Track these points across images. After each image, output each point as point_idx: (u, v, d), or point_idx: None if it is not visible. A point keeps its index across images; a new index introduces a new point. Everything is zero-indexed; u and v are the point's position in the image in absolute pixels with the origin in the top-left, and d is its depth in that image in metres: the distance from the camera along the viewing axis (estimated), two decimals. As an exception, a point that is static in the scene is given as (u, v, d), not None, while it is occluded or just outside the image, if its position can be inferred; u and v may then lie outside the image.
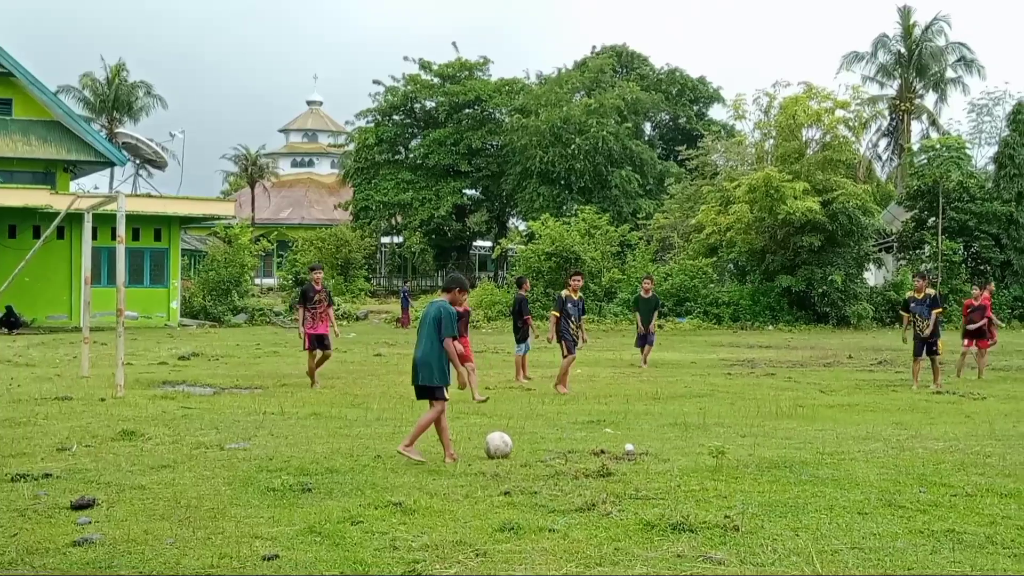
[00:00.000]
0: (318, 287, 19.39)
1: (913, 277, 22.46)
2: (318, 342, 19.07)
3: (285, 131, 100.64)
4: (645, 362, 24.53)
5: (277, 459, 10.76)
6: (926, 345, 19.97)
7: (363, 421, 14.05)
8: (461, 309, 16.49)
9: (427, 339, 10.86)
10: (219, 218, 49.49)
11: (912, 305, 20.17)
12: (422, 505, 8.55)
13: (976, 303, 22.58)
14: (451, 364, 10.84)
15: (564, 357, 18.80)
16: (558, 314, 18.86)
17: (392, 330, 39.67)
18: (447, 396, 10.95)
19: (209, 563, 6.95)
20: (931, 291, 20.78)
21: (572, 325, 18.74)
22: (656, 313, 25.53)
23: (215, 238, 57.94)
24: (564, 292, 19.29)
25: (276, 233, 72.87)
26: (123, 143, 60.79)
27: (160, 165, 65.74)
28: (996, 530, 7.95)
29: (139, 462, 10.61)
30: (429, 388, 10.89)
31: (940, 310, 20.53)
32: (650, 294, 25.34)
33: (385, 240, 78.11)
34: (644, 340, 24.78)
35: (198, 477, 9.84)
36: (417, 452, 10.73)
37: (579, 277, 20.01)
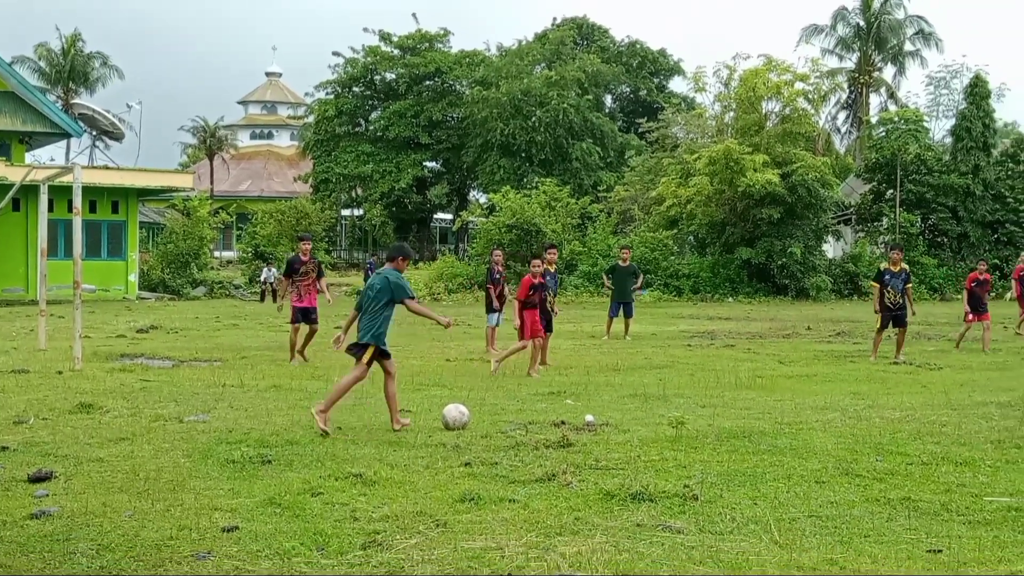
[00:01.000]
0: (305, 258, 18.94)
1: (891, 249, 22.46)
2: (303, 315, 18.59)
3: (244, 103, 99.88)
4: (627, 334, 24.52)
5: (237, 431, 10.73)
6: (895, 317, 20.03)
7: (323, 393, 13.99)
8: (536, 280, 16.48)
9: (371, 310, 11.15)
10: (177, 190, 49.10)
11: (887, 277, 20.17)
12: (382, 476, 8.55)
13: (981, 277, 22.68)
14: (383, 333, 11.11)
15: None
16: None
17: (353, 302, 39.54)
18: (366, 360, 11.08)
19: (168, 535, 6.92)
20: (905, 265, 20.92)
21: (549, 298, 18.46)
22: (638, 280, 25.45)
23: (174, 211, 57.50)
24: (538, 269, 17.87)
25: (235, 205, 72.51)
26: (79, 114, 60.21)
27: (117, 137, 65.17)
28: (951, 498, 8.04)
29: (97, 435, 10.54)
30: (360, 345, 11.11)
31: (910, 284, 20.60)
32: (627, 263, 25.41)
33: (345, 213, 77.80)
34: (618, 309, 24.82)
35: (157, 450, 9.80)
36: (325, 421, 10.68)
37: (554, 250, 20.02)
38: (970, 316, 22.49)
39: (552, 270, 19.07)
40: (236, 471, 8.85)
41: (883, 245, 47.33)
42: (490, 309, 20.97)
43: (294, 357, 18.58)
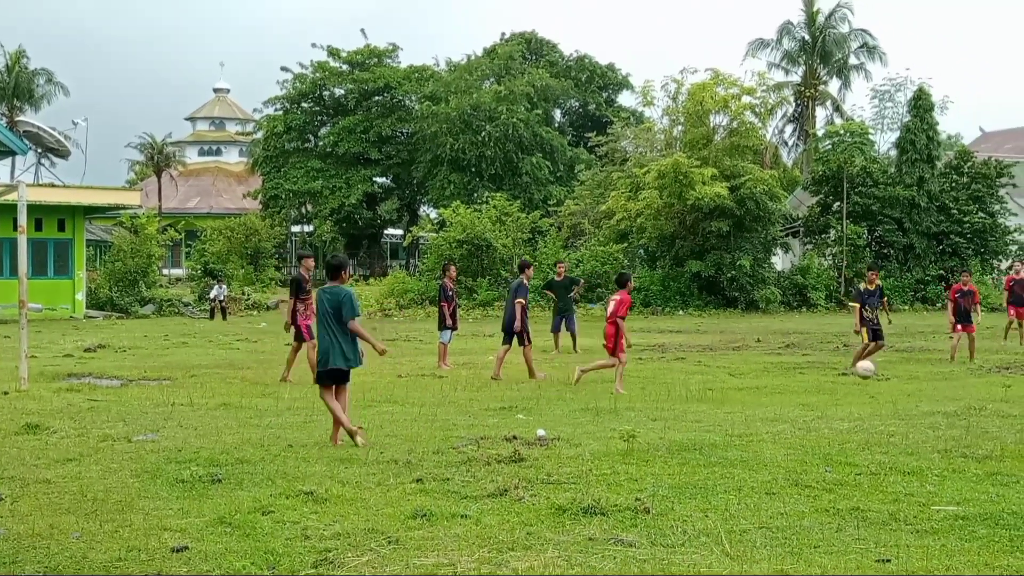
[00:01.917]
0: (308, 275, 18.84)
1: (868, 270, 22.81)
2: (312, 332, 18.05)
3: (192, 119, 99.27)
4: (575, 348, 24.56)
5: (186, 450, 10.65)
6: (873, 332, 20.43)
7: (274, 411, 13.95)
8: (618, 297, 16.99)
9: (330, 327, 11.12)
10: (125, 208, 48.60)
11: (866, 296, 20.62)
12: (334, 494, 8.52)
13: (965, 288, 22.94)
14: (362, 342, 11.24)
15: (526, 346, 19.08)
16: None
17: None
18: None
19: (117, 556, 6.85)
20: (880, 282, 21.39)
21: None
22: (576, 288, 25.54)
23: (121, 228, 56.93)
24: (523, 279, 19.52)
25: (184, 223, 71.79)
26: (24, 131, 59.49)
27: (63, 154, 64.48)
28: (899, 507, 8.12)
29: (44, 456, 10.42)
30: (342, 371, 11.19)
31: (885, 298, 21.13)
32: (562, 277, 25.50)
33: (295, 229, 77.49)
34: (560, 323, 24.88)
35: (105, 470, 9.70)
36: (361, 435, 11.05)
37: (531, 268, 20.80)
38: (959, 327, 22.67)
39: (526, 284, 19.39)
40: (186, 490, 8.78)
41: (831, 257, 47.72)
42: (443, 326, 20.98)
43: (287, 376, 18.30)
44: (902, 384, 17.76)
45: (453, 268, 22.47)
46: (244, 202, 79.94)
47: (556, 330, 24.95)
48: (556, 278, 25.47)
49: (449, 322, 20.93)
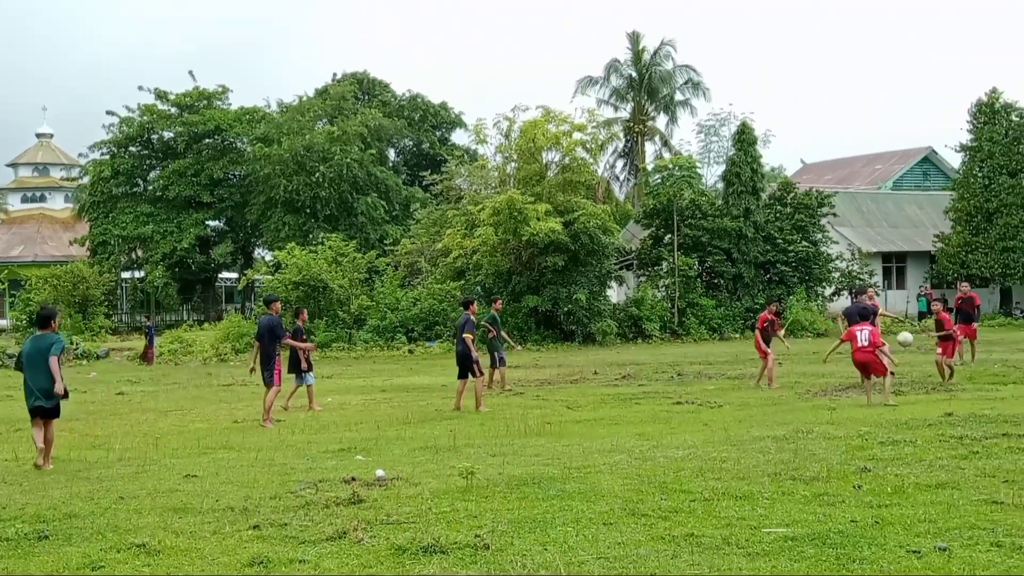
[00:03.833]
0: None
1: (862, 293, 23.48)
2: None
3: (14, 165, 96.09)
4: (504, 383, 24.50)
5: (11, 507, 10.27)
6: None
7: (104, 463, 13.57)
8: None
9: (41, 368, 13.02)
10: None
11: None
12: (167, 545, 8.32)
13: (771, 317, 23.69)
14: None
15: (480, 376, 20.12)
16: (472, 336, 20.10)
17: (135, 367, 38.37)
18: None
19: (-65, 623, 6.57)
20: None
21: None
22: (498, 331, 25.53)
23: (-60, 279, 54.81)
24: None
25: (7, 271, 69.46)
26: None
27: None
28: (732, 531, 8.31)
29: None
30: (44, 408, 13.16)
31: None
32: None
33: (126, 275, 75.56)
34: (504, 359, 24.87)
35: (-77, 532, 9.28)
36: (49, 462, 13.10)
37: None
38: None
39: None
40: (10, 549, 8.47)
41: (664, 288, 48.64)
42: (298, 368, 20.83)
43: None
44: (734, 411, 18.19)
45: (304, 312, 22.77)
46: (71, 249, 77.60)
47: (502, 365, 24.87)
48: (495, 314, 25.60)
49: (304, 365, 20.89)
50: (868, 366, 18.46)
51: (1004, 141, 52.39)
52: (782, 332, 25.32)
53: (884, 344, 18.81)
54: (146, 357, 40.09)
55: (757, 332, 24.02)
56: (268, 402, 18.59)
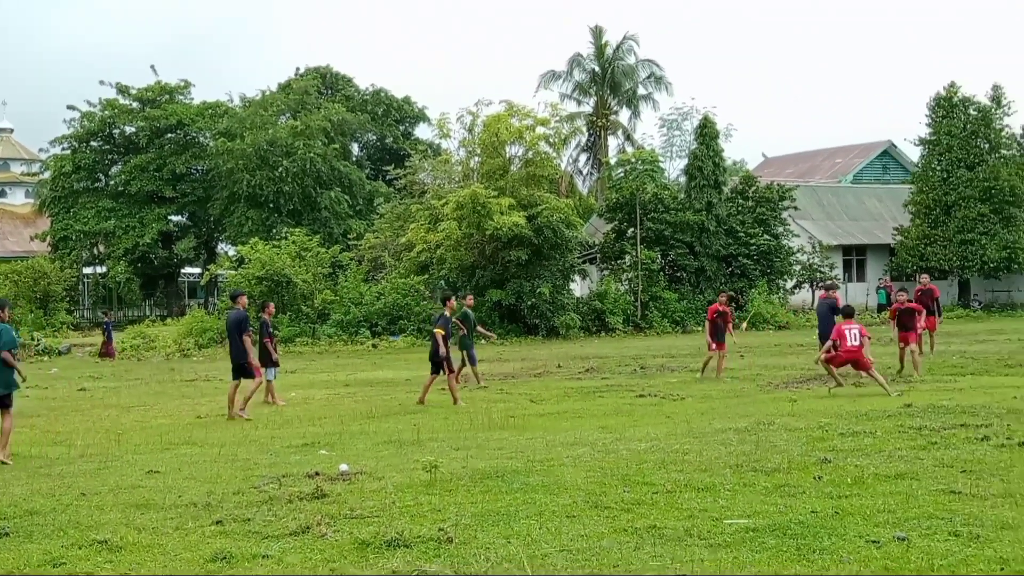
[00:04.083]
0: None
1: (830, 288, 23.63)
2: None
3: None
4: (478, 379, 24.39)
5: (-29, 505, 10.21)
6: None
7: (66, 459, 13.50)
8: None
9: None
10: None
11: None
12: (129, 541, 8.30)
13: (721, 308, 23.85)
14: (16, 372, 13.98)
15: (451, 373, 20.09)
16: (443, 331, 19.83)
17: (96, 364, 38.08)
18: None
19: None
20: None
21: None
22: (475, 328, 25.34)
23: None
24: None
25: (-34, 268, 68.83)
26: None
27: None
28: (694, 523, 8.38)
29: None
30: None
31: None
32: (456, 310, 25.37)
33: (88, 271, 74.97)
34: (474, 357, 24.56)
35: None
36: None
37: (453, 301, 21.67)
38: (712, 346, 23.59)
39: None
40: (-29, 547, 8.42)
41: (627, 282, 48.75)
42: (269, 363, 20.72)
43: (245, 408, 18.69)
44: (696, 403, 18.30)
45: (271, 305, 22.58)
46: (32, 245, 76.94)
47: (473, 363, 24.52)
48: (465, 310, 25.37)
49: (276, 358, 20.88)
50: (856, 363, 18.73)
51: (962, 135, 52.87)
52: (744, 326, 25.42)
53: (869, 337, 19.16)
54: (107, 353, 39.75)
55: (707, 323, 24.23)
56: (248, 393, 18.70)
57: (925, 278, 28.59)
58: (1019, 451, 11.30)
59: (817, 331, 23.65)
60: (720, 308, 24.02)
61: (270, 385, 20.92)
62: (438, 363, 19.80)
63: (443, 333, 19.71)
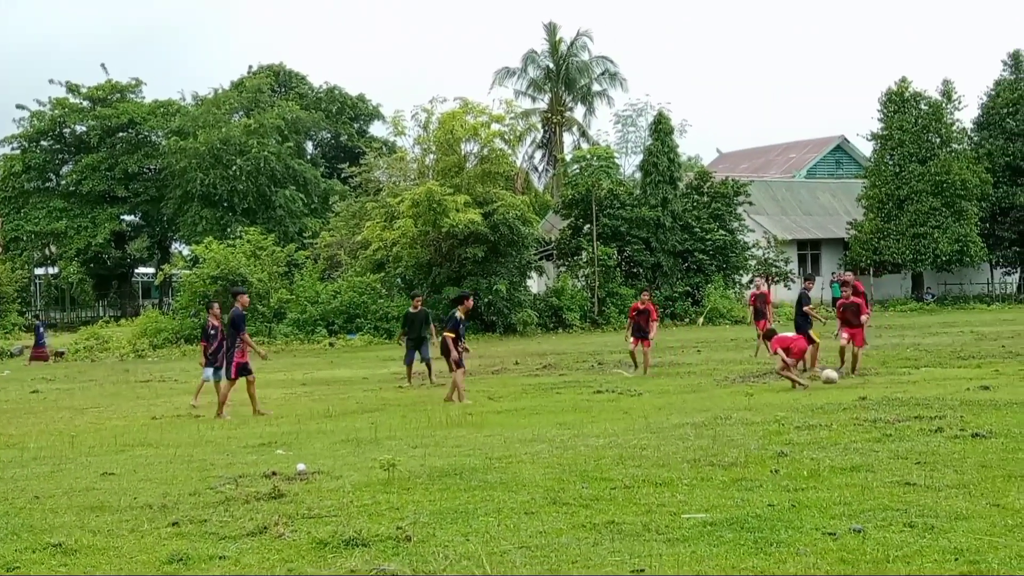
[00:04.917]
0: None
1: (807, 279, 24.15)
2: (244, 370, 18.99)
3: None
4: (430, 376, 24.25)
5: (-77, 510, 10.07)
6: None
7: (18, 462, 13.33)
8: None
9: None
10: None
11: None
12: (84, 544, 8.21)
13: (642, 306, 24.14)
14: None
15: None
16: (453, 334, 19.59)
17: (49, 365, 37.65)
18: None
19: None
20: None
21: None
22: (431, 326, 25.28)
23: None
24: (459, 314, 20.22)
25: (-86, 270, 67.95)
26: None
27: None
28: (652, 518, 8.40)
29: None
30: None
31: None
32: (419, 309, 25.31)
33: (39, 272, 74.31)
34: (413, 353, 24.47)
35: None
36: None
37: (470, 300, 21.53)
38: (632, 341, 23.88)
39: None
40: (-78, 553, 8.30)
41: (584, 278, 48.85)
42: (208, 364, 20.64)
43: (223, 412, 18.54)
44: (654, 399, 18.36)
45: (216, 306, 22.04)
46: (-19, 246, 76.24)
47: (409, 363, 24.53)
48: (412, 310, 25.32)
49: (216, 360, 20.61)
50: (788, 351, 19.02)
51: (914, 129, 53.43)
52: (700, 321, 25.59)
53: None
54: (38, 356, 38.59)
55: (628, 321, 24.48)
56: (223, 395, 18.64)
57: (848, 275, 28.97)
58: (972, 442, 11.42)
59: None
60: (640, 307, 24.35)
61: (204, 386, 20.92)
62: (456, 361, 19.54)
63: (453, 336, 19.52)
